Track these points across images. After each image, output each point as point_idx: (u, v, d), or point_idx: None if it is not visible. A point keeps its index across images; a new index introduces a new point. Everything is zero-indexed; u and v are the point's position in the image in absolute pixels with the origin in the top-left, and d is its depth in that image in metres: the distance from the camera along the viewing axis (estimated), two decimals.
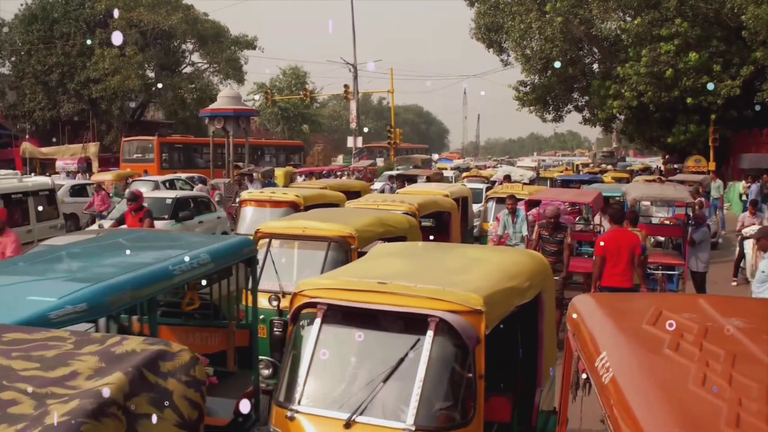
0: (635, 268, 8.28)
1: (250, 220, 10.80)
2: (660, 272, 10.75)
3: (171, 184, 23.27)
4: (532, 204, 11.24)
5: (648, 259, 9.89)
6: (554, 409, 4.77)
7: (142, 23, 43.07)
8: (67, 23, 43.23)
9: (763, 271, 8.11)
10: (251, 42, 50.62)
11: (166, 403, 1.96)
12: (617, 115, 31.45)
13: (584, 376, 2.71)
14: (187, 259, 4.19)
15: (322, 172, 33.22)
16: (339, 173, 33.49)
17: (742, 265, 12.30)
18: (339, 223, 6.89)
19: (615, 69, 29.01)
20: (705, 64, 26.46)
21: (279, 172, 27.50)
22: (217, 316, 5.76)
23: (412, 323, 3.60)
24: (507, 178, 19.96)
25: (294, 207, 10.22)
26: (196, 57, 50.62)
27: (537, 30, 30.99)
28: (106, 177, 24.89)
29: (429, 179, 19.57)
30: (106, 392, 1.77)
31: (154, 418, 1.89)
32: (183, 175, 25.77)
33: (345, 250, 6.55)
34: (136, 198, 10.62)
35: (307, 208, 9.64)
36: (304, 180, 25.62)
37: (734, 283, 12.68)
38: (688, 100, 26.82)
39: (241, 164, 27.95)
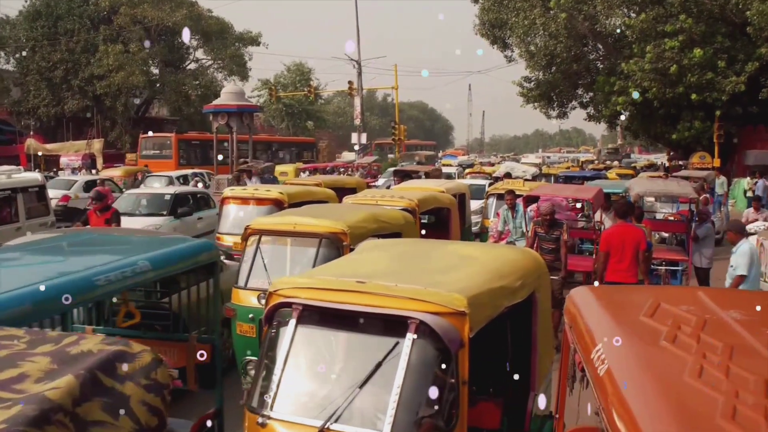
0: (640, 263, 8.15)
1: (232, 217, 10.74)
2: (663, 268, 10.65)
3: (185, 180, 23.35)
4: (530, 200, 11.11)
5: (652, 254, 9.78)
6: (550, 413, 4.54)
7: (146, 19, 43.09)
8: (71, 20, 43.34)
9: (732, 266, 7.97)
10: (255, 38, 50.70)
11: (122, 409, 1.84)
12: (621, 111, 31.31)
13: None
14: (117, 267, 3.76)
15: (326, 168, 33.19)
16: (342, 169, 33.43)
17: None
18: (331, 219, 6.72)
19: (619, 65, 28.83)
20: (710, 61, 26.23)
21: (289, 168, 27.66)
22: (177, 329, 5.24)
23: (391, 325, 3.40)
24: (507, 176, 19.85)
25: (277, 204, 10.10)
26: (200, 53, 50.73)
27: (541, 26, 30.88)
28: (116, 173, 24.88)
29: (428, 175, 19.47)
30: (52, 397, 1.68)
31: (107, 426, 1.80)
32: (189, 172, 25.81)
33: (337, 247, 6.38)
34: (101, 197, 10.15)
35: (291, 206, 9.46)
36: (308, 175, 25.64)
37: None
38: (693, 96, 26.62)
39: (248, 160, 28.06)
